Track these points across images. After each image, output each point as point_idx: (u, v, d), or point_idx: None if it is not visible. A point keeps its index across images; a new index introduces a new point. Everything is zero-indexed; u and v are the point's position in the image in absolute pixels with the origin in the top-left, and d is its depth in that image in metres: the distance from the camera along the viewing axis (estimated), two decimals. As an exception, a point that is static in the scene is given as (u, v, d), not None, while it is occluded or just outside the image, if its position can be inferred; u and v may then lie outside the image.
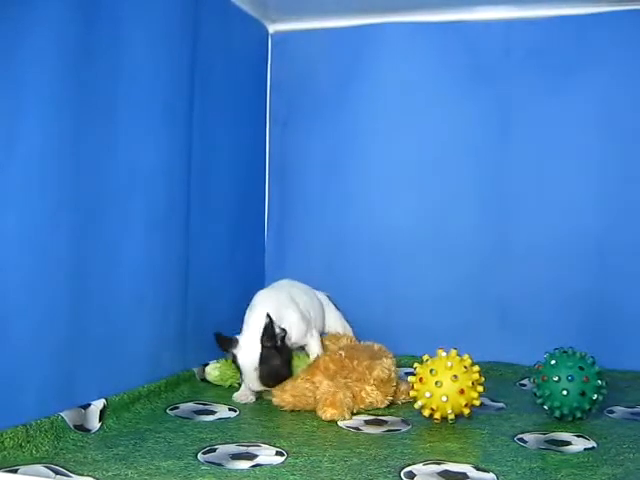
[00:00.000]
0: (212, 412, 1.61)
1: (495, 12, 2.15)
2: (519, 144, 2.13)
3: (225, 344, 1.70)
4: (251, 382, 1.68)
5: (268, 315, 1.67)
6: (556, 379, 1.52)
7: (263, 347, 1.66)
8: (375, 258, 2.21)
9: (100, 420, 1.44)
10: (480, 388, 1.52)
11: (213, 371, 1.84)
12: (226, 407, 1.65)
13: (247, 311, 1.76)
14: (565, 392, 1.51)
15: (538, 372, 1.58)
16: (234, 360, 1.71)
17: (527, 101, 2.12)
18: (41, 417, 1.30)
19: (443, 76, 2.19)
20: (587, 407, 1.53)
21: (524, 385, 1.89)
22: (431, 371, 1.52)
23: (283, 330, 1.69)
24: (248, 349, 1.67)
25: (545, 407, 1.56)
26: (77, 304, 1.42)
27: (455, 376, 1.49)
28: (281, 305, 1.76)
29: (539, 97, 2.11)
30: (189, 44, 1.80)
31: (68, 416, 1.36)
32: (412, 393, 1.56)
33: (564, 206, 2.09)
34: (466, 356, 1.54)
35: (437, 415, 1.51)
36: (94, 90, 1.45)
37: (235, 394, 1.73)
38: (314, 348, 1.81)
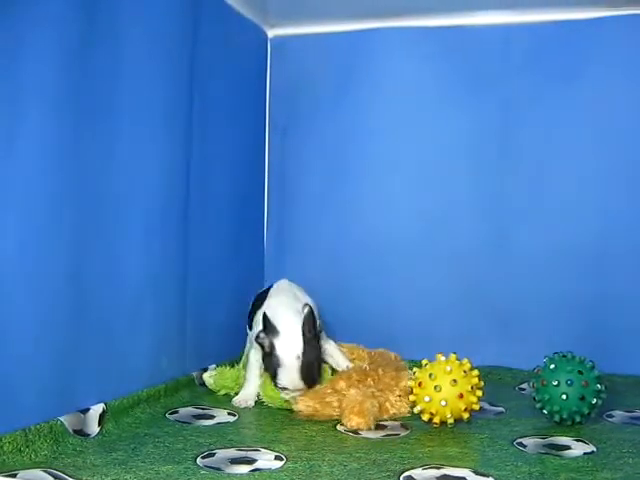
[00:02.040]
0: (211, 417, 1.61)
1: (494, 17, 2.15)
2: (518, 149, 2.13)
3: (268, 329, 1.61)
4: (289, 375, 1.60)
5: (308, 304, 1.63)
6: (555, 383, 1.52)
7: (304, 337, 1.60)
8: (374, 263, 2.21)
9: (99, 424, 1.44)
10: (479, 392, 1.52)
11: (208, 379, 1.83)
12: (225, 412, 1.65)
13: (266, 302, 1.72)
14: (564, 396, 1.51)
15: (537, 376, 1.58)
16: (269, 350, 1.61)
17: (526, 106, 2.12)
18: (40, 421, 1.30)
19: (442, 81, 2.19)
20: (586, 411, 1.53)
21: (523, 389, 1.89)
22: (430, 375, 1.52)
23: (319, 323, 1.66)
24: (290, 338, 1.60)
25: (544, 411, 1.56)
26: (76, 308, 1.42)
27: (454, 380, 1.50)
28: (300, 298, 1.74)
29: (538, 102, 2.11)
30: (188, 49, 1.80)
31: (67, 420, 1.36)
32: (411, 397, 1.56)
33: (563, 211, 2.09)
34: (465, 360, 1.54)
35: (436, 419, 1.51)
36: (94, 95, 1.45)
37: (235, 398, 1.72)
38: (340, 359, 1.77)
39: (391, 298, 2.19)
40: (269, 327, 1.62)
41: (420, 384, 1.53)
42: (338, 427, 1.53)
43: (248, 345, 1.86)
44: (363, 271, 2.20)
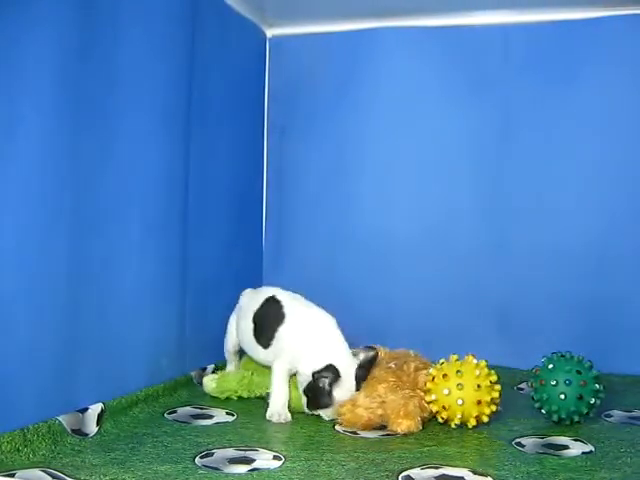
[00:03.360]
0: (210, 416, 1.61)
1: (494, 17, 2.15)
2: (518, 148, 2.13)
3: (333, 373, 1.57)
4: (346, 384, 1.58)
5: (375, 349, 1.65)
6: (554, 383, 1.52)
7: (357, 379, 1.60)
8: (373, 262, 2.21)
9: (98, 424, 1.43)
10: (494, 407, 1.52)
11: (210, 383, 1.78)
12: (224, 411, 1.65)
13: (300, 309, 1.70)
14: (563, 396, 1.51)
15: (536, 376, 1.58)
16: (328, 389, 1.57)
17: (526, 105, 2.12)
18: (39, 421, 1.30)
19: (442, 81, 2.19)
20: (585, 411, 1.53)
21: (522, 389, 1.89)
22: (457, 372, 1.52)
23: None
24: (348, 383, 1.58)
25: (543, 411, 1.56)
26: (75, 308, 1.42)
27: (478, 386, 1.50)
28: None
29: (538, 101, 2.11)
30: (187, 48, 1.80)
31: (66, 420, 1.36)
32: (429, 384, 1.55)
33: (563, 211, 2.09)
34: (493, 372, 1.53)
35: (444, 414, 1.51)
36: (92, 97, 1.45)
37: (268, 413, 1.60)
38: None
39: (389, 297, 2.19)
40: (334, 372, 1.57)
41: (444, 376, 1.53)
42: (337, 427, 1.53)
43: (263, 356, 1.74)
44: (361, 271, 2.20)
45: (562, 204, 2.09)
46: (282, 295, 1.75)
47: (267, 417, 1.59)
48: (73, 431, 1.37)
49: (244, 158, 2.20)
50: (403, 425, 1.49)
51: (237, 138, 2.13)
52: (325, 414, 1.60)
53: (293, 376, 1.66)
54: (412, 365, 1.64)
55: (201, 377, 1.85)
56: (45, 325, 1.34)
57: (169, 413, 1.61)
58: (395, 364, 1.65)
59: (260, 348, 1.73)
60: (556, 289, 2.08)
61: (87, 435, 1.39)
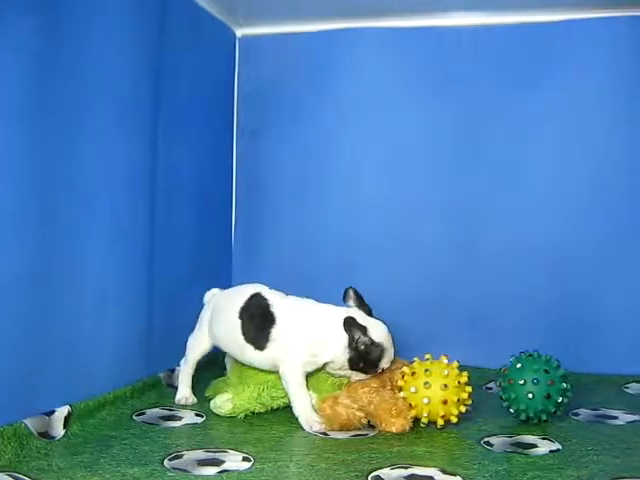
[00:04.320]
0: (179, 418, 1.60)
1: (464, 18, 2.17)
2: (485, 149, 2.15)
3: (359, 329, 1.56)
4: (390, 354, 1.59)
5: (350, 287, 1.68)
6: (522, 382, 1.54)
7: (367, 313, 1.64)
8: (343, 263, 2.21)
9: (64, 427, 1.42)
10: (462, 408, 1.52)
11: (225, 404, 1.62)
12: (193, 413, 1.64)
13: (317, 314, 1.64)
14: (531, 395, 1.52)
15: (504, 375, 1.59)
16: (370, 343, 1.55)
17: (493, 106, 2.14)
18: (4, 424, 1.28)
19: (411, 82, 2.20)
20: (552, 410, 1.54)
21: (490, 388, 1.91)
22: (426, 370, 1.52)
23: None
24: (375, 324, 1.60)
25: (511, 410, 1.57)
26: (40, 309, 1.40)
27: (445, 385, 1.50)
28: None
29: (505, 102, 2.13)
30: (154, 48, 1.79)
31: (32, 423, 1.34)
32: (399, 382, 1.55)
33: (530, 211, 2.12)
34: (465, 374, 1.54)
35: (412, 413, 1.52)
36: (57, 96, 1.43)
37: (305, 424, 1.53)
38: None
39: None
40: (358, 327, 1.56)
41: (413, 374, 1.54)
42: (306, 428, 1.53)
43: (252, 356, 1.65)
44: (330, 271, 2.20)
45: (528, 204, 2.12)
46: (267, 292, 1.69)
47: (306, 429, 1.52)
48: (39, 434, 1.35)
49: (213, 159, 2.19)
50: (397, 424, 1.49)
51: (206, 139, 2.12)
52: (382, 366, 1.59)
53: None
54: (392, 366, 1.64)
55: (170, 378, 1.83)
56: (10, 326, 1.32)
57: (137, 415, 1.60)
58: None
59: (250, 349, 1.64)
60: (523, 289, 2.10)
61: (54, 438, 1.38)
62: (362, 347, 1.56)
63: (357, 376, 1.60)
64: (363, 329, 1.56)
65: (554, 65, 2.10)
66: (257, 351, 1.63)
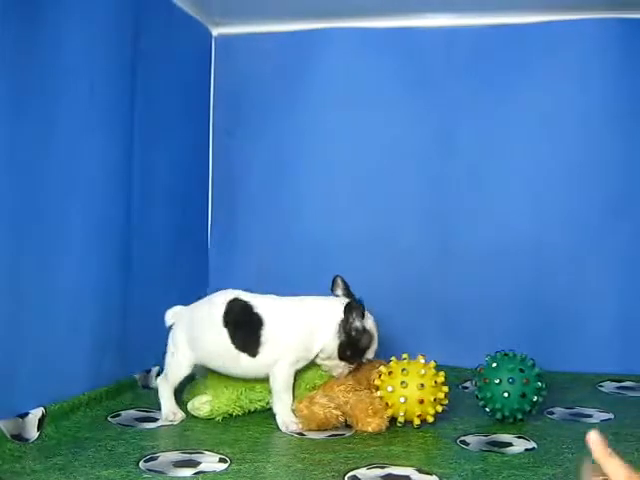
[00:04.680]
0: (154, 419, 1.59)
1: (438, 19, 2.17)
2: (460, 150, 2.16)
3: (360, 315, 1.58)
4: (375, 344, 1.62)
5: (338, 275, 1.69)
6: (497, 381, 1.54)
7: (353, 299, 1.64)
8: (320, 263, 2.20)
9: (38, 429, 1.40)
10: (439, 408, 1.53)
11: (203, 406, 1.60)
12: (169, 414, 1.63)
13: (315, 305, 1.64)
14: (506, 394, 1.53)
15: (480, 375, 1.60)
16: (362, 330, 1.57)
17: (468, 107, 2.15)
18: (-24, 427, 1.27)
19: (388, 82, 2.20)
20: (527, 408, 1.55)
21: (466, 388, 1.92)
22: (403, 370, 1.53)
23: None
24: (369, 316, 1.62)
25: (487, 409, 1.58)
26: (13, 311, 1.39)
27: (422, 385, 1.50)
28: None
29: (479, 104, 2.14)
30: (129, 46, 1.77)
31: (5, 425, 1.32)
32: (376, 381, 1.56)
33: (504, 212, 2.13)
34: (442, 374, 1.54)
35: (389, 412, 1.52)
36: (29, 96, 1.41)
37: (284, 424, 1.52)
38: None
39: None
40: (360, 313, 1.58)
41: (390, 373, 1.54)
42: (282, 429, 1.53)
43: (247, 364, 1.59)
44: (307, 272, 2.19)
45: (504, 205, 2.13)
46: (245, 295, 1.63)
47: (282, 429, 1.51)
48: (13, 437, 1.33)
49: (189, 160, 2.18)
50: (373, 424, 1.49)
51: (181, 140, 2.10)
52: (368, 357, 1.61)
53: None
54: (368, 365, 1.64)
55: (146, 379, 1.82)
56: (-17, 328, 1.31)
57: (112, 417, 1.59)
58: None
59: (244, 356, 1.57)
60: (499, 289, 2.11)
61: (28, 440, 1.36)
62: (353, 333, 1.57)
63: (340, 368, 1.60)
64: (362, 315, 1.58)
65: (528, 66, 2.12)
66: (250, 358, 1.57)
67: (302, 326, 1.58)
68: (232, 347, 1.57)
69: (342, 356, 1.59)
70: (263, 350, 1.56)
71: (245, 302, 1.60)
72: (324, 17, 2.19)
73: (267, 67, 2.28)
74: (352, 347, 1.58)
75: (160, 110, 1.95)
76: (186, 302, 1.77)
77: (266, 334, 1.57)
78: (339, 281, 1.69)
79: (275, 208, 2.27)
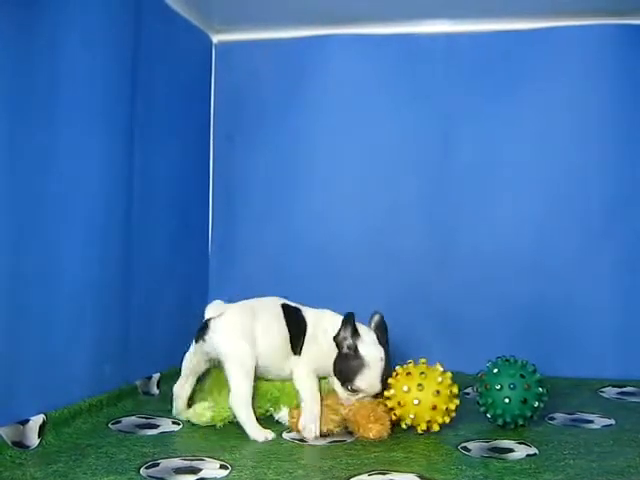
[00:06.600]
0: (155, 426, 1.58)
1: (437, 26, 2.18)
2: (461, 155, 2.17)
3: (352, 332, 1.56)
4: (370, 376, 1.54)
5: (379, 312, 1.64)
6: (498, 387, 1.54)
7: (380, 342, 1.59)
8: (320, 269, 2.21)
9: (39, 436, 1.40)
10: (447, 418, 1.52)
11: (205, 412, 1.59)
12: (169, 420, 1.63)
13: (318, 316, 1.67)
14: (507, 400, 1.53)
15: (481, 380, 1.60)
16: (352, 352, 1.55)
17: (469, 114, 2.16)
18: (-23, 434, 1.26)
19: (387, 88, 2.21)
20: (529, 414, 1.55)
21: (467, 394, 1.91)
22: (421, 373, 1.53)
23: None
24: (372, 341, 1.57)
25: (488, 415, 1.58)
26: (14, 317, 1.38)
27: (438, 392, 1.50)
28: None
29: (479, 109, 2.15)
30: (130, 54, 1.77)
31: (6, 432, 1.32)
32: (390, 380, 1.54)
33: (504, 217, 2.14)
34: (456, 385, 1.54)
35: (398, 412, 1.52)
36: (32, 98, 1.42)
37: (307, 427, 1.51)
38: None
39: (337, 302, 2.18)
40: (353, 330, 1.56)
41: (408, 374, 1.54)
42: (284, 435, 1.53)
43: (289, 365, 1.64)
44: (308, 277, 2.20)
45: (503, 210, 2.14)
46: (287, 301, 1.70)
47: (304, 433, 1.50)
48: (14, 443, 1.33)
49: (189, 165, 2.18)
50: (374, 430, 1.49)
51: (182, 145, 2.11)
52: (356, 386, 1.54)
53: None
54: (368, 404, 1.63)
55: (147, 386, 1.82)
56: (-17, 334, 1.31)
57: (113, 423, 1.58)
58: None
59: (294, 360, 1.63)
60: (500, 294, 2.12)
61: (28, 447, 1.36)
62: (344, 348, 1.56)
63: (340, 390, 1.58)
64: (355, 334, 1.56)
65: (528, 72, 2.13)
66: (295, 357, 1.63)
67: (326, 336, 1.62)
68: (289, 346, 1.63)
69: (335, 372, 1.58)
70: (302, 351, 1.63)
71: (292, 306, 1.69)
72: (324, 24, 2.20)
73: (267, 73, 2.29)
74: (342, 364, 1.56)
75: (160, 116, 1.95)
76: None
77: (306, 340, 1.64)
78: (376, 318, 1.64)
79: (275, 212, 2.27)
